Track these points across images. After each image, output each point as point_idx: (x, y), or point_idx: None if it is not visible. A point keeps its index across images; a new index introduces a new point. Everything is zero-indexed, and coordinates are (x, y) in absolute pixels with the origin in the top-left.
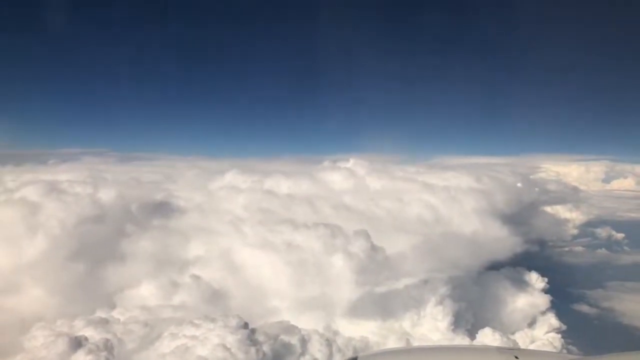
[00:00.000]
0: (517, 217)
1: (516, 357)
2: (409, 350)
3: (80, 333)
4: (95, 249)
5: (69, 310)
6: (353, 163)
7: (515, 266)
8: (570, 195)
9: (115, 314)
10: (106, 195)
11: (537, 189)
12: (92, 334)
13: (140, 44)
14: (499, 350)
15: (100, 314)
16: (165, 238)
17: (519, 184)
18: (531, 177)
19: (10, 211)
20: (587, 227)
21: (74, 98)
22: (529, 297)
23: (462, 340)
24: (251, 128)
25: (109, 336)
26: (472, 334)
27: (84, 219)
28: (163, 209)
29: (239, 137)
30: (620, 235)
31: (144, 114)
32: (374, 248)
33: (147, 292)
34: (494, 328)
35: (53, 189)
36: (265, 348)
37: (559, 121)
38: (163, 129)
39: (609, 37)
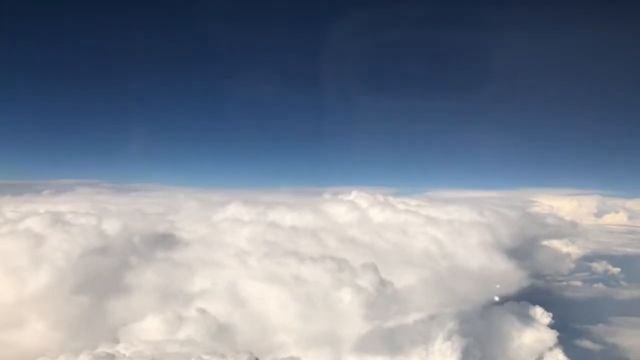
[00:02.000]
0: (520, 251)
1: None
2: None
3: None
4: (100, 282)
5: (72, 344)
6: (355, 196)
7: (519, 300)
8: (568, 229)
9: (120, 348)
10: (111, 227)
11: (537, 223)
12: None
13: (133, 71)
14: None
15: (104, 348)
16: (169, 271)
17: (519, 218)
18: (528, 211)
19: (15, 243)
20: (584, 262)
21: (66, 129)
22: (535, 332)
23: None
24: (249, 160)
25: None
26: None
27: (88, 251)
28: (167, 241)
29: (236, 169)
30: (616, 270)
31: (138, 145)
32: (382, 282)
33: (151, 326)
34: None
35: (57, 220)
36: None
37: (550, 155)
38: (158, 160)
39: (601, 71)
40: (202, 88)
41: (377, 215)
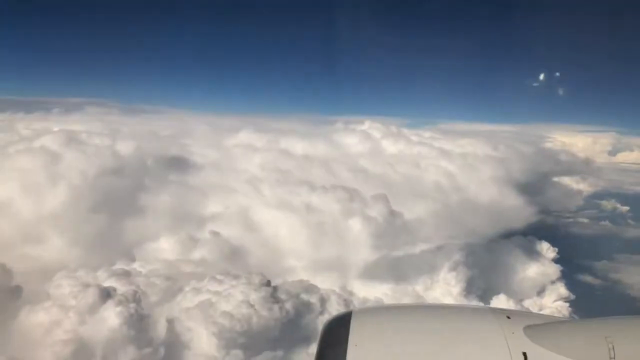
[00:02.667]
0: (531, 186)
1: (508, 317)
2: (402, 307)
3: (104, 284)
4: (115, 201)
5: (90, 260)
6: (368, 126)
7: (526, 235)
8: (581, 166)
9: (136, 266)
10: (125, 148)
11: (550, 160)
12: (117, 286)
13: None
14: (492, 310)
15: (121, 265)
16: (182, 193)
17: (533, 154)
18: (542, 146)
19: (31, 160)
20: (593, 199)
21: (77, 46)
22: (540, 266)
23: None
24: (260, 85)
25: (132, 288)
26: (483, 300)
27: (103, 171)
28: (179, 164)
29: (246, 95)
30: (625, 209)
31: (149, 66)
32: (392, 213)
33: (166, 245)
34: (498, 295)
35: (72, 139)
36: (288, 306)
37: (566, 91)
38: (168, 82)
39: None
40: (214, 10)
41: (390, 146)
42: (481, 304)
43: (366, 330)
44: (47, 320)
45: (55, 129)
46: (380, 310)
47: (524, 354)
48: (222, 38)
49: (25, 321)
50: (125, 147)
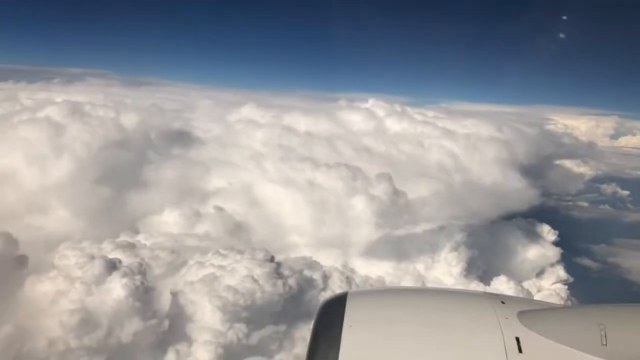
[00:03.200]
0: (534, 169)
1: (502, 302)
2: (398, 290)
3: (109, 255)
4: (119, 174)
5: (94, 232)
6: (372, 104)
7: (527, 217)
8: (583, 150)
9: (141, 238)
10: (129, 120)
11: (553, 142)
12: (122, 257)
13: None
14: (487, 295)
15: (124, 238)
16: (186, 167)
17: (537, 136)
18: (546, 129)
19: (35, 130)
20: (594, 183)
21: (77, 16)
22: (540, 249)
23: (476, 286)
24: (261, 61)
25: (135, 260)
26: (483, 281)
27: (107, 143)
28: (183, 138)
29: (248, 69)
30: (625, 193)
31: (151, 39)
32: (395, 192)
33: (170, 219)
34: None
35: (76, 110)
36: (291, 282)
37: (570, 73)
38: (170, 55)
39: None
40: None
41: (394, 125)
42: (477, 288)
43: (361, 311)
44: (52, 290)
45: (58, 99)
46: (375, 292)
47: (517, 339)
48: (225, 12)
49: (31, 290)
50: (129, 120)
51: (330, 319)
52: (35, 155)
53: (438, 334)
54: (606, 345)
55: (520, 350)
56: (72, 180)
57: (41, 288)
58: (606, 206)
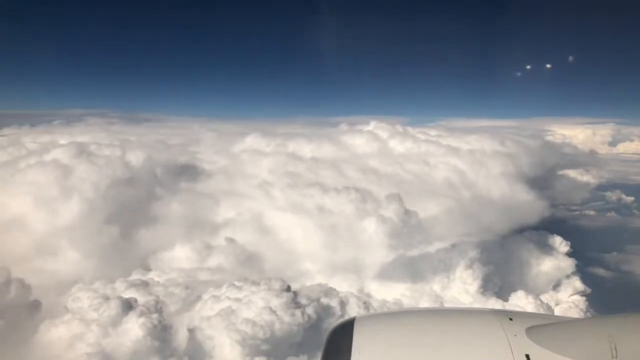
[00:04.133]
0: (539, 180)
1: (510, 319)
2: (405, 312)
3: (123, 295)
4: (128, 212)
5: (105, 272)
6: (374, 126)
7: (537, 229)
8: (585, 158)
9: (153, 276)
10: (135, 158)
11: (555, 153)
12: (136, 296)
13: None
14: (495, 312)
15: (137, 276)
16: (194, 201)
17: (539, 148)
18: (547, 140)
19: (43, 174)
20: (598, 191)
21: (73, 59)
22: (553, 260)
23: (494, 303)
24: (262, 90)
25: (151, 299)
26: (500, 297)
27: (115, 182)
28: (189, 172)
29: (250, 99)
30: (629, 199)
31: (148, 74)
32: (406, 212)
33: (181, 254)
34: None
35: (82, 151)
36: (309, 311)
37: (565, 84)
38: (170, 89)
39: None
40: (212, 15)
41: (398, 145)
42: (496, 305)
43: (369, 336)
44: (68, 334)
45: (62, 141)
46: (382, 316)
47: (527, 356)
48: (221, 44)
49: (45, 336)
50: (135, 157)
51: (339, 345)
52: (44, 199)
53: (447, 356)
54: (617, 357)
55: None
56: (82, 221)
57: (56, 333)
58: (613, 213)
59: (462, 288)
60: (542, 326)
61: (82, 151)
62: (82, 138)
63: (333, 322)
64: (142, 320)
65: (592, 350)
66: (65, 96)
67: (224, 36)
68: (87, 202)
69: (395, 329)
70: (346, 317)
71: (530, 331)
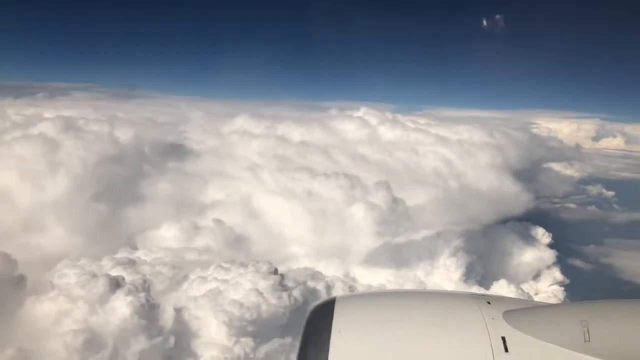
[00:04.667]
0: (525, 172)
1: (488, 303)
2: (385, 293)
3: (110, 273)
4: (115, 189)
5: (91, 249)
6: (364, 112)
7: (521, 220)
8: (569, 152)
9: (140, 254)
10: (123, 135)
11: (542, 146)
12: (123, 274)
13: None
14: (473, 295)
15: (124, 254)
16: (182, 181)
17: (526, 140)
18: (534, 133)
19: (30, 147)
20: (580, 185)
21: (58, 29)
22: (535, 251)
23: (476, 291)
24: (252, 71)
25: (138, 277)
26: (482, 285)
27: (103, 159)
28: (178, 151)
29: (239, 79)
30: (610, 193)
31: (138, 50)
32: (394, 200)
33: (168, 233)
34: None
35: (70, 126)
36: (295, 293)
37: (552, 77)
38: (158, 66)
39: None
40: None
41: (387, 133)
42: (466, 290)
43: (349, 316)
44: (54, 310)
45: (47, 114)
46: (363, 296)
47: (503, 338)
48: (211, 22)
49: (31, 311)
50: (123, 134)
51: (319, 324)
52: (30, 173)
53: (426, 336)
54: (589, 341)
55: (506, 350)
56: (68, 197)
57: (42, 308)
58: (593, 207)
59: (445, 275)
60: (519, 310)
61: (69, 126)
62: (68, 112)
63: None
64: (129, 298)
65: (566, 334)
66: (50, 69)
67: (214, 15)
68: (74, 178)
69: (376, 309)
70: (327, 297)
71: (507, 315)
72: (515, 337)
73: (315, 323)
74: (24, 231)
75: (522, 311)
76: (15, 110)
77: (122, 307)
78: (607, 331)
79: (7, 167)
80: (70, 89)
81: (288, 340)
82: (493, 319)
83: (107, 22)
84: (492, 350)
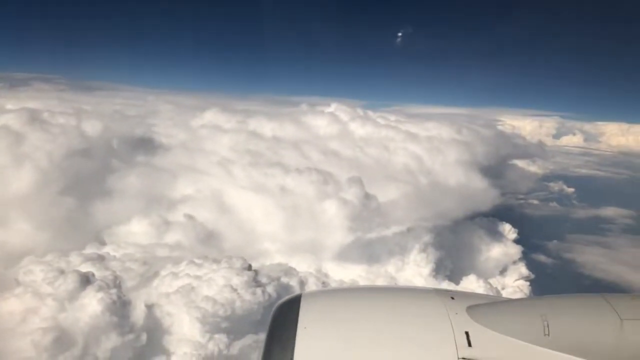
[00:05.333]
0: (492, 169)
1: (452, 298)
2: (350, 289)
3: (78, 269)
4: (82, 184)
5: (57, 245)
6: (335, 108)
7: (487, 216)
8: (533, 149)
9: (109, 250)
10: (91, 128)
11: (508, 143)
12: (92, 271)
13: None
14: (437, 291)
15: (92, 250)
16: (151, 175)
17: (493, 137)
18: (501, 130)
19: None
20: (542, 181)
21: (17, 18)
22: (502, 247)
23: (446, 286)
24: (221, 64)
25: (108, 273)
26: (452, 280)
27: (69, 152)
28: (147, 145)
29: (208, 72)
30: (570, 190)
31: (102, 40)
32: (367, 195)
33: (137, 229)
34: (468, 275)
35: (35, 118)
36: (269, 289)
37: (515, 76)
38: (123, 57)
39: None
40: None
41: (358, 129)
42: (448, 288)
43: (315, 312)
44: (20, 308)
45: (9, 106)
46: (328, 293)
47: (467, 333)
48: (179, 13)
49: None
50: (90, 127)
51: (284, 320)
52: None
53: (391, 331)
54: (549, 335)
55: (469, 344)
56: (34, 191)
57: (6, 306)
58: (555, 203)
59: (415, 271)
60: (482, 305)
61: (34, 118)
62: (31, 104)
63: None
64: (100, 295)
65: (526, 328)
66: (8, 59)
67: (182, 6)
68: (40, 172)
69: (341, 306)
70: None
71: (470, 310)
72: (478, 332)
73: (281, 319)
74: None
75: (485, 306)
76: None
77: (92, 304)
78: (566, 325)
79: None
80: (29, 79)
81: (262, 336)
82: (457, 314)
83: (68, 10)
84: (456, 344)
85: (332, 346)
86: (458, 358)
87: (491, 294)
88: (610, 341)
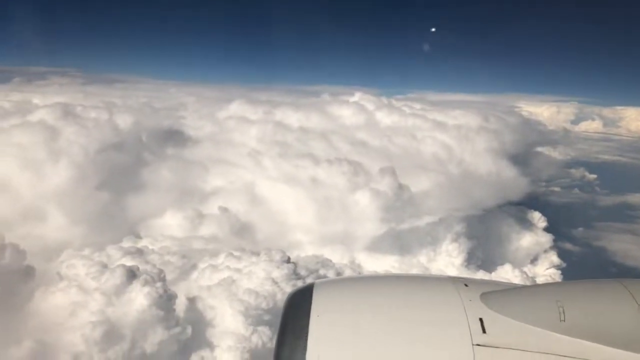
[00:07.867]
0: (520, 157)
1: (466, 285)
2: (363, 278)
3: (117, 263)
4: (116, 177)
5: (94, 238)
6: (359, 97)
7: (516, 205)
8: (555, 136)
9: (146, 243)
10: (123, 121)
11: (533, 130)
12: (136, 264)
13: None
14: (451, 279)
15: (128, 243)
16: (183, 168)
17: (519, 125)
18: (527, 117)
19: (30, 135)
20: (564, 168)
21: (32, 12)
22: (532, 235)
23: (480, 276)
24: (242, 56)
25: (149, 267)
26: (485, 270)
27: (103, 146)
28: (177, 137)
29: (229, 64)
30: (592, 177)
31: (122, 33)
32: (400, 186)
33: (172, 222)
34: (502, 264)
35: (68, 113)
36: (309, 281)
37: (532, 61)
38: (144, 50)
39: None
40: None
41: (384, 118)
42: (484, 278)
43: (328, 301)
44: (67, 302)
45: (36, 100)
46: (341, 281)
47: (480, 320)
48: (199, 5)
49: (43, 303)
50: (122, 121)
51: (297, 309)
52: (30, 161)
53: (404, 319)
54: (564, 321)
55: (484, 331)
56: (70, 185)
57: (53, 300)
58: (577, 190)
59: (447, 261)
60: (496, 292)
61: (68, 113)
62: (58, 98)
63: None
64: (146, 289)
65: (542, 314)
66: (23, 52)
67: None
68: (75, 166)
69: (354, 294)
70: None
71: (484, 296)
72: (493, 319)
73: (294, 308)
74: (25, 221)
75: (499, 293)
76: (2, 97)
77: (139, 298)
78: (582, 311)
79: (7, 156)
80: (47, 73)
81: None
82: (470, 300)
83: (84, 3)
84: (470, 331)
85: (345, 334)
86: (472, 345)
87: (528, 283)
88: (628, 327)
